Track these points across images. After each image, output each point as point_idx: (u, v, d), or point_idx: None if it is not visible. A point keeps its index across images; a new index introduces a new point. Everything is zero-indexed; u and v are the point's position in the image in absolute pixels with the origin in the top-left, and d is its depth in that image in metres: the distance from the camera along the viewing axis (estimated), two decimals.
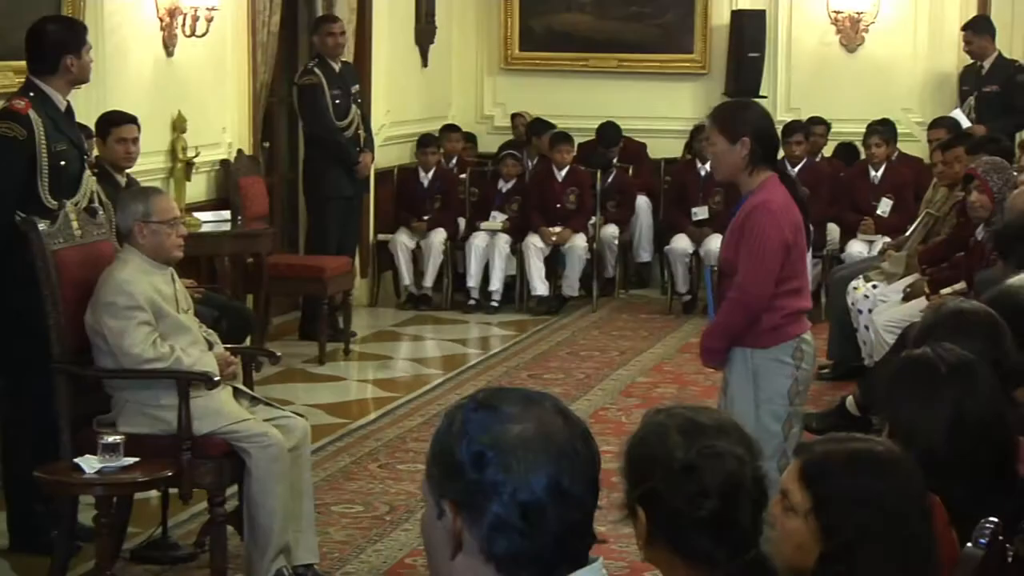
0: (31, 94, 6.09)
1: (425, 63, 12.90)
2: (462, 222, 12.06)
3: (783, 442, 5.18)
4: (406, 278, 11.84)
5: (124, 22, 8.70)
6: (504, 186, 12.06)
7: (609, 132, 12.58)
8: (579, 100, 13.21)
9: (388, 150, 11.92)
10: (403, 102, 12.36)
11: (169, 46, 9.17)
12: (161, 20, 9.08)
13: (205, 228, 9.12)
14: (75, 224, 5.87)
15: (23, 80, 6.33)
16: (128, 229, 5.75)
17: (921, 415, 3.43)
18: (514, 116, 13.23)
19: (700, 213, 11.72)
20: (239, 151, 9.97)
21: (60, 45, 6.13)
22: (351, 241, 10.78)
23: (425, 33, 12.83)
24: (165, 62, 9.18)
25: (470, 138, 13.15)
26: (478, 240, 11.81)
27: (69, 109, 6.24)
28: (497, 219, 11.95)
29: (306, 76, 10.39)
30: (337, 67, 10.44)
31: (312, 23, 10.76)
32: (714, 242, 11.22)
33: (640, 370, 9.74)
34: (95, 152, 7.39)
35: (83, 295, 5.69)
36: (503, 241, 11.80)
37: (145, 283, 5.65)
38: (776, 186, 5.28)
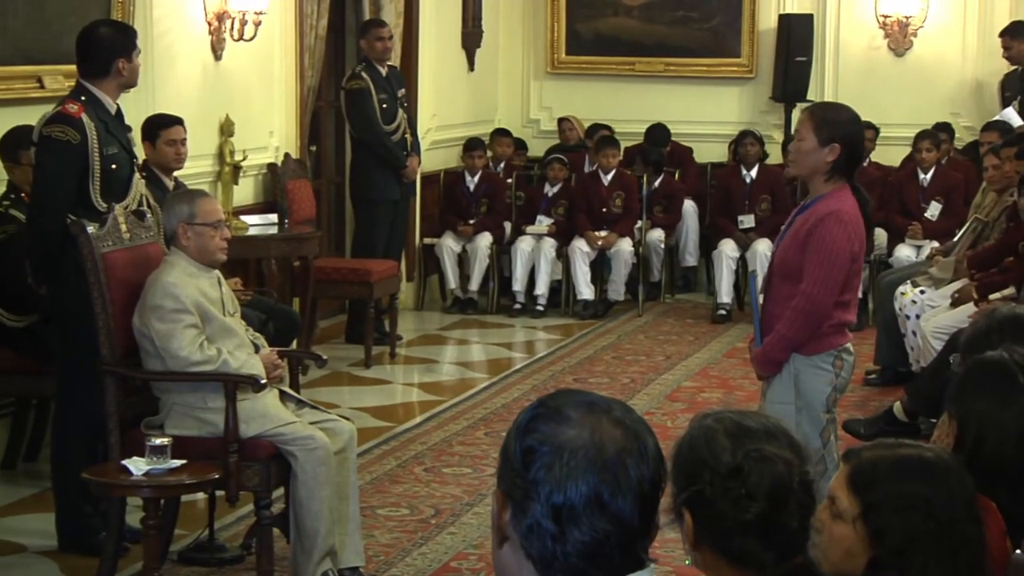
0: (83, 98, 6.13)
1: (472, 67, 12.92)
2: (508, 226, 12.07)
3: (821, 449, 5.15)
4: (452, 282, 11.84)
5: (173, 26, 8.75)
6: (550, 190, 12.05)
7: (658, 132, 12.68)
8: (626, 104, 13.20)
9: (434, 154, 11.94)
10: (449, 106, 12.37)
11: (217, 50, 9.22)
12: (209, 24, 9.13)
13: (252, 231, 9.16)
14: (123, 227, 5.90)
15: (73, 84, 6.37)
16: (173, 231, 5.78)
17: (994, 418, 3.40)
18: (561, 120, 13.22)
19: (747, 222, 11.67)
20: (286, 155, 10.00)
21: (112, 49, 6.17)
22: (397, 245, 10.80)
23: (472, 37, 12.84)
24: (213, 66, 9.22)
25: (520, 143, 13.15)
26: (524, 244, 11.80)
27: (119, 112, 6.27)
28: (543, 223, 11.94)
29: (354, 80, 10.42)
30: (384, 71, 10.45)
31: (360, 27, 10.78)
32: (761, 246, 11.19)
33: (686, 374, 9.71)
34: (142, 156, 7.44)
35: (131, 297, 5.72)
36: (549, 245, 11.79)
37: (191, 286, 5.67)
38: (848, 196, 5.21)
